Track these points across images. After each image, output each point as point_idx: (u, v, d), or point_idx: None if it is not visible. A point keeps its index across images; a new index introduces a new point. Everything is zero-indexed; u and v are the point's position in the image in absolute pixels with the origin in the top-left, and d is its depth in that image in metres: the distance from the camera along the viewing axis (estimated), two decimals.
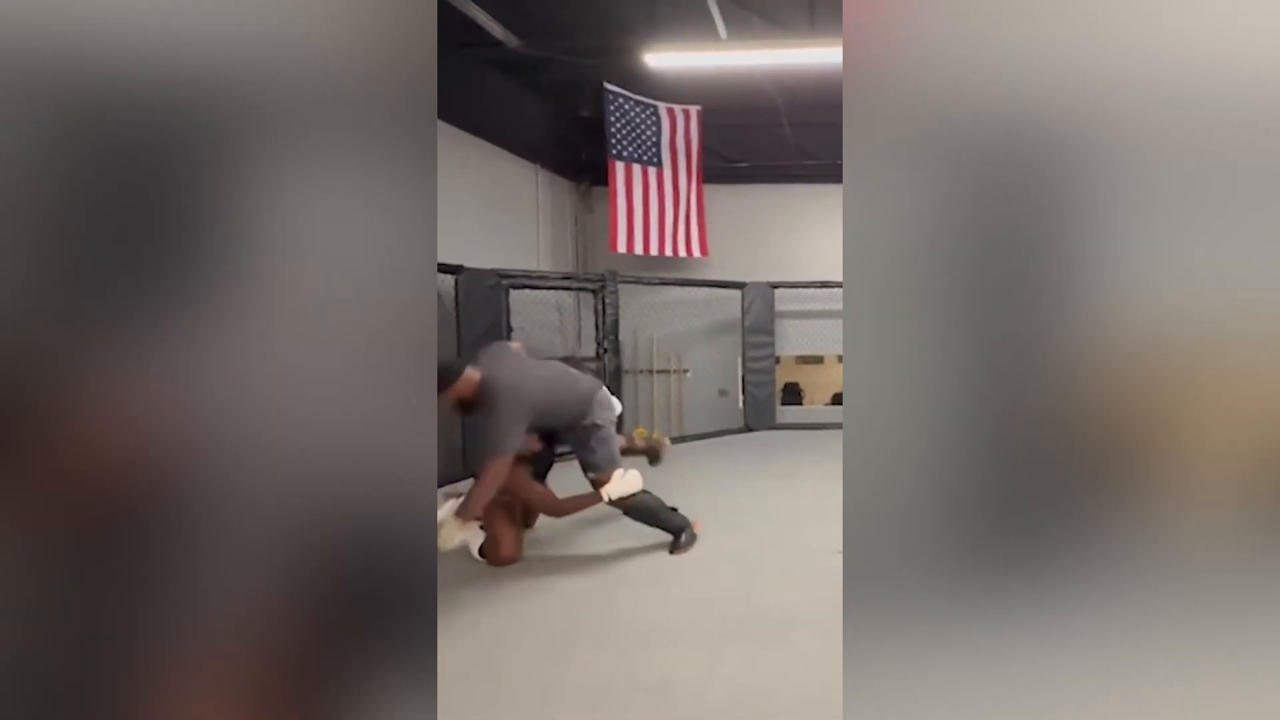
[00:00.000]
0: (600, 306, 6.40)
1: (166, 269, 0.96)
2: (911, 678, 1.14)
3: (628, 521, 3.49)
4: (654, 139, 7.08)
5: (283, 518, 1.01)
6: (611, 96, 6.71)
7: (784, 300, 7.52)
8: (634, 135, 6.94)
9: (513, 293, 5.76)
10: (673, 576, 3.19)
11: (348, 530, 1.04)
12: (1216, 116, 1.11)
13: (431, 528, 1.18)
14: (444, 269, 5.19)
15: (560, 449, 3.80)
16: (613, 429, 3.44)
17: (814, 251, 7.66)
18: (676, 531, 3.54)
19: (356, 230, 1.05)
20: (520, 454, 3.18)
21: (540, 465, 3.67)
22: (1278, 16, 1.09)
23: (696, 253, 7.47)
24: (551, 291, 6.49)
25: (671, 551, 3.48)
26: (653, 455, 4.12)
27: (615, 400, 3.60)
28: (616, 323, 6.44)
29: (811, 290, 7.42)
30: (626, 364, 7.07)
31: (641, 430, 7.26)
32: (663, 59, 5.30)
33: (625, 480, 3.33)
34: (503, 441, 2.96)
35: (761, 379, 7.46)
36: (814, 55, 4.89)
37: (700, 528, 3.65)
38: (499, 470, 2.94)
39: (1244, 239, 1.12)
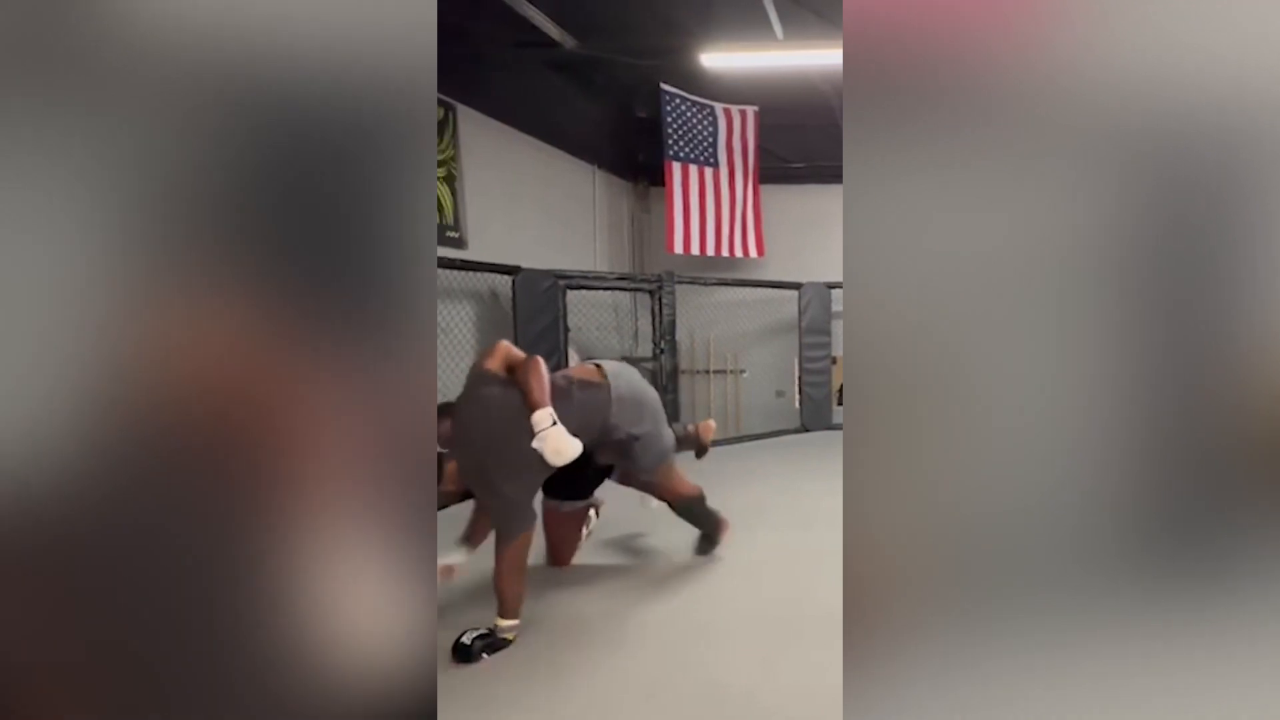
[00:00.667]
0: (657, 307, 6.42)
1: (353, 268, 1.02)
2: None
3: (684, 522, 3.47)
4: (710, 139, 7.06)
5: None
6: (668, 97, 6.72)
7: (841, 300, 7.43)
8: (690, 136, 6.94)
9: (570, 293, 5.82)
10: (729, 576, 3.19)
11: None
12: None
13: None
14: (501, 270, 5.27)
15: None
16: (649, 427, 3.04)
17: None
18: (711, 533, 3.41)
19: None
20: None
21: (581, 478, 3.19)
22: None
23: (753, 253, 7.43)
24: (608, 292, 6.54)
25: (698, 554, 3.42)
26: (699, 449, 3.78)
27: (641, 390, 3.11)
28: (673, 323, 6.45)
29: None
30: (683, 364, 7.06)
31: None
32: (719, 59, 5.30)
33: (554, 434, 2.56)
34: (514, 521, 2.54)
35: (818, 379, 7.38)
36: None
37: (728, 532, 3.47)
38: (520, 553, 2.53)
39: None
